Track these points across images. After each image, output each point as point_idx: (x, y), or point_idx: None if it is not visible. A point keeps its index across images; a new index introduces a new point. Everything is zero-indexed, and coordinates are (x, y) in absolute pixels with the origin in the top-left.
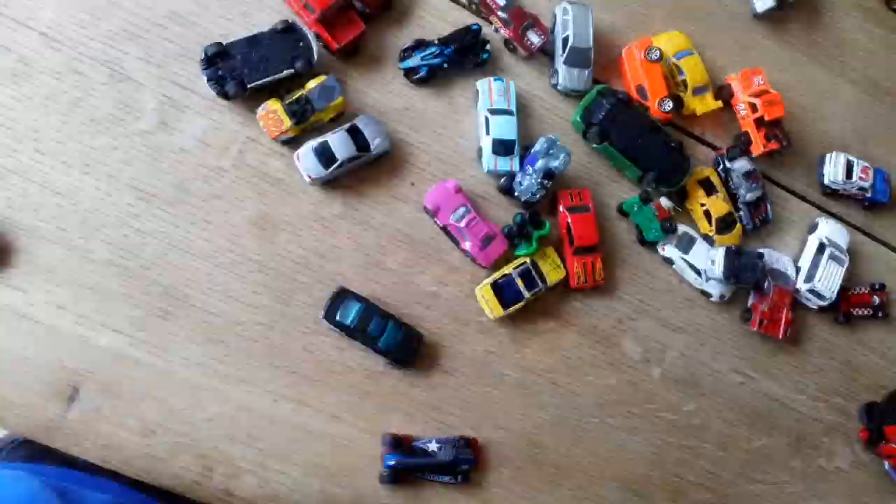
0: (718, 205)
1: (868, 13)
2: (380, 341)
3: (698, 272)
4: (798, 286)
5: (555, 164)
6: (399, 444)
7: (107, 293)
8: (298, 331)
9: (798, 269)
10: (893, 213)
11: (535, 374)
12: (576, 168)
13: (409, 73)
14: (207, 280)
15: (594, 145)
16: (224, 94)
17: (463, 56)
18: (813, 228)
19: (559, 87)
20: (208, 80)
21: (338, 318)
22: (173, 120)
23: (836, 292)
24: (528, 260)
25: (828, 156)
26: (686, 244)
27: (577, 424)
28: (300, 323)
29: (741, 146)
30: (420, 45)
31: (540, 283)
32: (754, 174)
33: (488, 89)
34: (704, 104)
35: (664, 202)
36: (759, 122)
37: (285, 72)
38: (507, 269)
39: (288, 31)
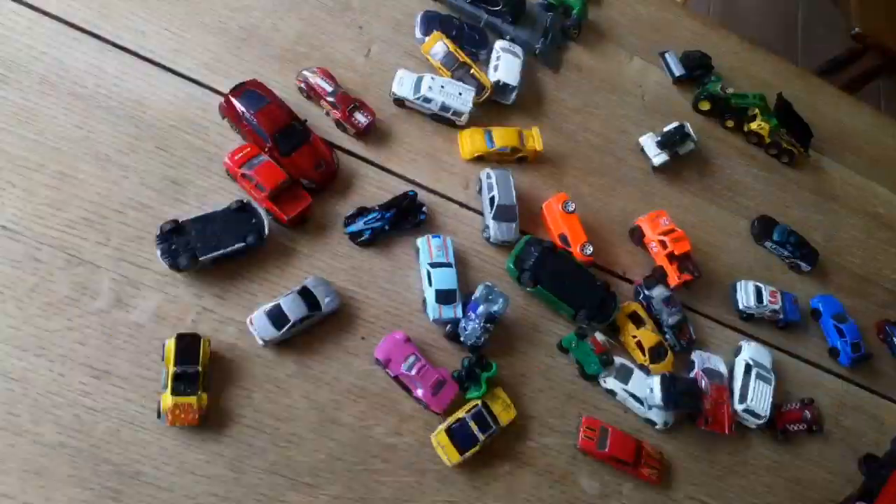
0: (648, 336)
1: (749, 159)
2: None
3: (640, 401)
4: (735, 408)
5: (495, 308)
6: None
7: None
8: (253, 499)
9: (731, 392)
10: (807, 331)
11: None
12: (515, 310)
13: (353, 236)
14: (160, 453)
15: (528, 289)
16: (176, 266)
17: (402, 219)
18: (738, 352)
19: (491, 240)
20: (161, 254)
21: None
22: (128, 297)
23: (769, 410)
24: (479, 402)
25: (738, 283)
26: (625, 375)
27: None
28: (255, 491)
29: (657, 277)
30: (363, 211)
31: (493, 425)
32: (672, 299)
33: (427, 246)
34: (533, 140)
35: (599, 336)
36: (671, 257)
37: (237, 245)
38: (460, 413)
39: (243, 210)
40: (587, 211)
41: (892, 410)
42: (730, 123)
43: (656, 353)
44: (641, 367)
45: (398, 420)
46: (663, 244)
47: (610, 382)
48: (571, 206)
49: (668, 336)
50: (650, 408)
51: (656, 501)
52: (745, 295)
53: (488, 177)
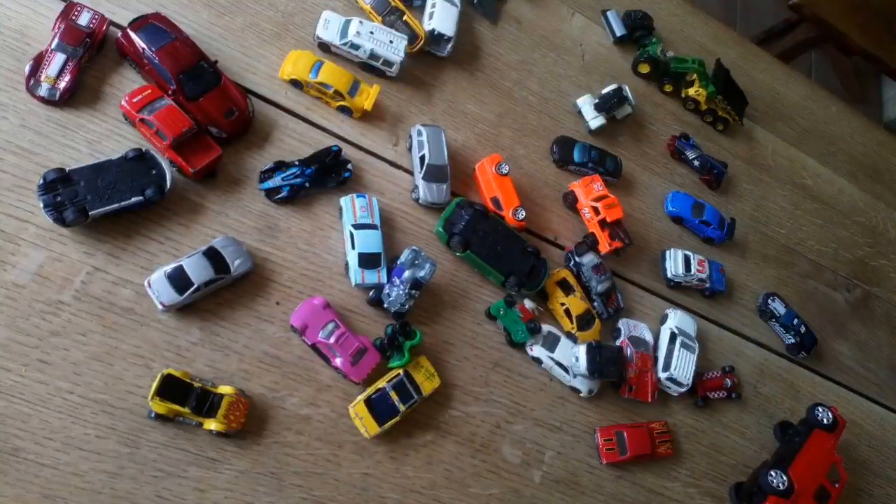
0: (576, 303)
1: (685, 125)
2: None
3: (566, 369)
4: (658, 376)
5: (421, 273)
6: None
7: None
8: (150, 475)
9: (656, 360)
10: (731, 300)
11: (416, 492)
12: (443, 275)
13: (270, 193)
14: (42, 427)
15: (457, 253)
16: (61, 221)
17: (325, 175)
18: (664, 319)
19: (420, 201)
20: (44, 207)
21: None
22: (6, 254)
23: (691, 378)
24: (401, 371)
25: (667, 252)
26: (552, 343)
27: None
28: (152, 467)
29: (588, 244)
30: (281, 166)
31: (415, 395)
32: (602, 267)
33: (351, 206)
34: (367, 95)
35: (527, 304)
36: (603, 224)
37: (133, 199)
38: (381, 383)
39: (141, 159)
40: (521, 173)
41: (808, 378)
42: (668, 88)
43: (584, 321)
44: (568, 335)
45: (314, 390)
46: (595, 210)
47: (536, 350)
48: (505, 168)
49: (596, 303)
50: (575, 376)
51: (577, 469)
52: (674, 263)
53: (419, 133)
